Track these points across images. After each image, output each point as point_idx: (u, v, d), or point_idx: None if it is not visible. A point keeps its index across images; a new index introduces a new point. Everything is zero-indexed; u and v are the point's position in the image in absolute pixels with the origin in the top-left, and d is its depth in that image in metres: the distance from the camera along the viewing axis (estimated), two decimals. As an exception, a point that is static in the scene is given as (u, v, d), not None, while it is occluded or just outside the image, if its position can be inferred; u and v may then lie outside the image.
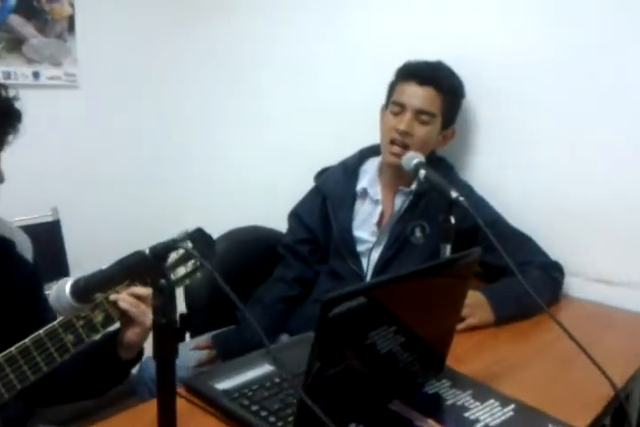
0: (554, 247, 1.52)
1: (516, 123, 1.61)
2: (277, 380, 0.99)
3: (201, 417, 0.91)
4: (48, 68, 2.02)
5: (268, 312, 1.60)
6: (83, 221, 1.96)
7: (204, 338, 1.60)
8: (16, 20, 1.91)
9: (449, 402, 0.98)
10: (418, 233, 1.57)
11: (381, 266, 1.57)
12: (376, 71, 1.62)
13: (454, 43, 1.66)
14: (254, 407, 0.90)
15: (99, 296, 0.78)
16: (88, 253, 1.77)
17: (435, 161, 1.61)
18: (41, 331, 0.96)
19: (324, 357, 0.78)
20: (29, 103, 2.02)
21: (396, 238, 1.58)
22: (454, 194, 1.27)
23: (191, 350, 1.55)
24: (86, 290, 0.74)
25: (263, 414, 0.88)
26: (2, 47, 1.90)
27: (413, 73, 1.54)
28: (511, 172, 1.64)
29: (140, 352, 1.11)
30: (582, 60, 1.49)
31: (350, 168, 1.69)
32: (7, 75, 1.91)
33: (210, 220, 2.17)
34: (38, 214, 1.93)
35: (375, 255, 1.60)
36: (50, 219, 1.96)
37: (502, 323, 1.32)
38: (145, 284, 0.92)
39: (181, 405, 0.94)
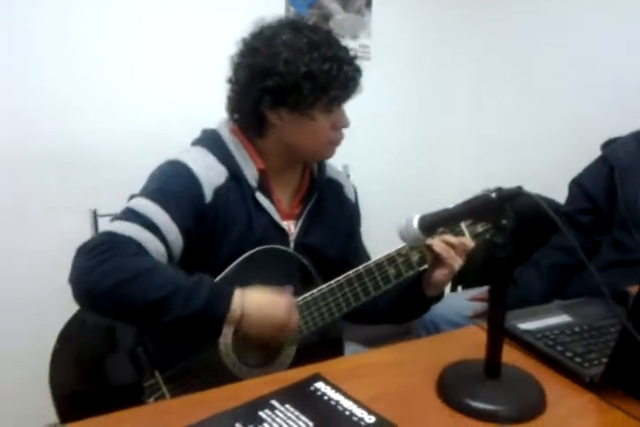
0: None
1: None
2: (577, 329, 1.07)
3: (506, 349, 1.03)
4: (347, 41, 2.25)
5: (545, 277, 1.67)
6: (366, 180, 2.20)
7: (481, 291, 1.73)
8: (326, -2, 2.19)
9: None
10: None
11: (675, 240, 1.51)
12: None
13: None
14: (559, 348, 0.99)
15: (440, 231, 0.94)
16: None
17: None
18: (371, 262, 1.16)
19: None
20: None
21: (696, 214, 1.50)
22: None
23: (468, 301, 1.70)
24: (433, 224, 0.90)
25: (569, 354, 0.97)
26: (313, 22, 2.18)
27: None
28: None
29: (442, 293, 1.27)
30: None
31: (644, 139, 1.64)
32: (315, 47, 2.20)
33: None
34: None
35: (667, 229, 1.55)
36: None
37: None
38: (486, 223, 1.07)
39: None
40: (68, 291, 1.03)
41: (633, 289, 1.08)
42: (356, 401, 0.87)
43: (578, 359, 0.96)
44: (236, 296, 1.04)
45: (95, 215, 1.66)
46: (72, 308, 1.09)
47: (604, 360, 0.93)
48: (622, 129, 1.71)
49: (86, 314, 1.13)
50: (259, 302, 1.06)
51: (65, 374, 1.14)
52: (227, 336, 1.11)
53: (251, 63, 1.17)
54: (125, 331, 1.15)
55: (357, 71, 1.19)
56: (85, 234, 1.63)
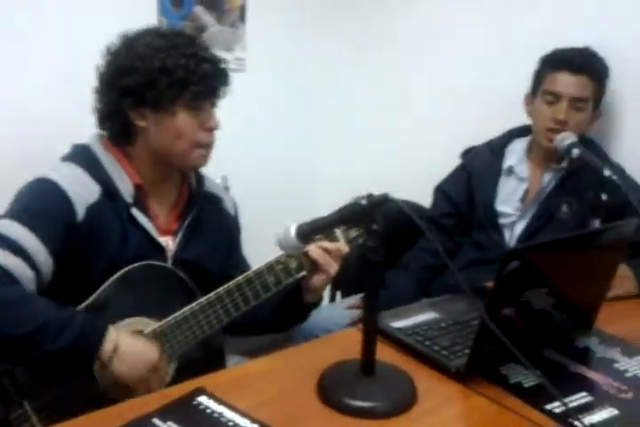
0: None
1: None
2: (443, 324, 1.16)
3: (380, 347, 1.08)
4: (221, 53, 2.27)
5: (414, 279, 1.78)
6: (246, 189, 2.22)
7: (357, 299, 1.80)
8: (199, 11, 2.18)
9: (598, 355, 1.09)
10: (564, 209, 1.66)
11: (526, 238, 1.67)
12: (520, 57, 1.69)
13: (600, 28, 1.70)
14: (427, 343, 1.07)
15: (317, 238, 0.98)
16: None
17: (585, 143, 1.68)
18: (250, 271, 1.18)
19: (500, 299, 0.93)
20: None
21: (543, 213, 1.68)
22: (607, 172, 1.35)
23: (345, 309, 1.76)
24: (310, 232, 0.93)
25: (436, 348, 1.05)
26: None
27: (565, 61, 1.60)
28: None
29: (320, 299, 1.31)
30: None
31: (497, 147, 1.80)
32: (189, 59, 2.19)
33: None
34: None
35: (519, 228, 1.72)
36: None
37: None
38: (359, 228, 1.12)
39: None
40: None
41: (491, 284, 1.19)
42: (238, 411, 0.88)
43: (444, 352, 1.04)
44: (111, 332, 1.04)
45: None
46: None
47: (467, 351, 1.02)
48: (483, 136, 1.86)
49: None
50: (132, 341, 1.07)
51: None
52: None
53: (111, 67, 1.17)
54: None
55: (221, 72, 1.21)
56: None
